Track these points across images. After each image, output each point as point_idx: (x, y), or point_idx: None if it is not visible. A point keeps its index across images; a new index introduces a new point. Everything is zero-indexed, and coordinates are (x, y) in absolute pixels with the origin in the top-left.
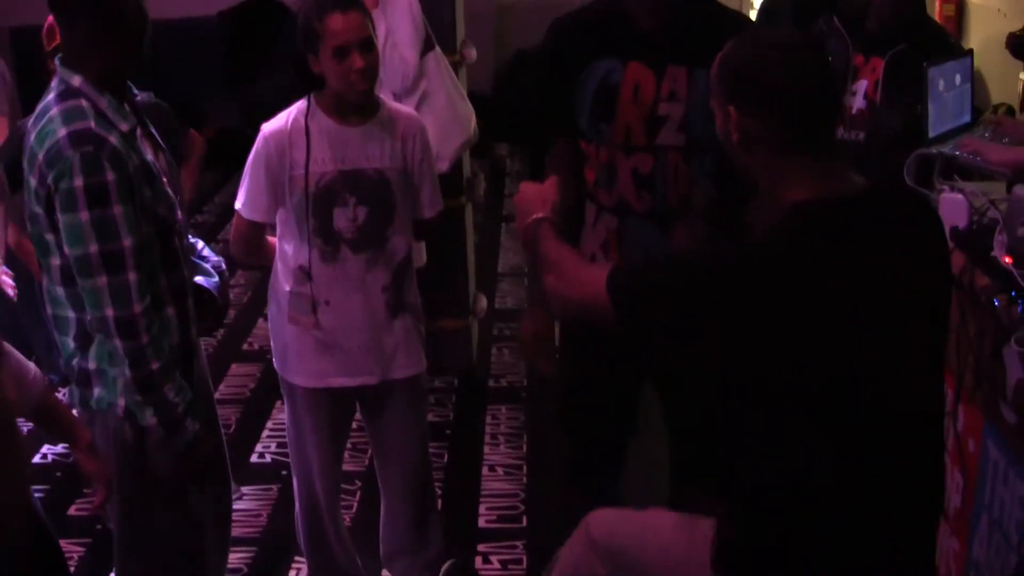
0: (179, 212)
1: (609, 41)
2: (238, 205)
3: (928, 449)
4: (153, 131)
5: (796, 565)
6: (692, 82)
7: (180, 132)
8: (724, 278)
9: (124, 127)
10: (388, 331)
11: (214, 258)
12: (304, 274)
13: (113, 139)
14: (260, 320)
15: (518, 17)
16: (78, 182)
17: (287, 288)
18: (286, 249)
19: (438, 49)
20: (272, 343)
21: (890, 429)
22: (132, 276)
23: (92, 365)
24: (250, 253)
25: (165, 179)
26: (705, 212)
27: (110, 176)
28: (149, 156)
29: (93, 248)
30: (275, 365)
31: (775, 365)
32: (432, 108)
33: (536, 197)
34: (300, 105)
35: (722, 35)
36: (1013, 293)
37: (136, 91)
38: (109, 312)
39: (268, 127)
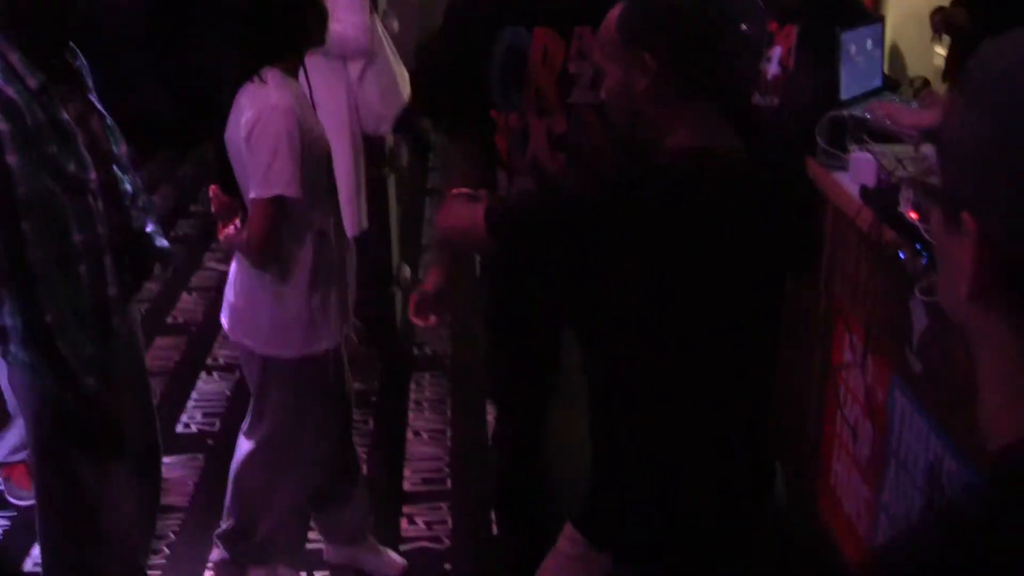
0: (92, 172)
1: (513, 9)
2: (286, 189)
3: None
4: (92, 98)
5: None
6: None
7: None
8: (591, 208)
9: (32, 83)
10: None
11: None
12: (323, 237)
13: (11, 91)
14: (183, 294)
15: None
16: None
17: (309, 258)
18: (298, 220)
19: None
20: (278, 330)
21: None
22: (25, 225)
23: (8, 321)
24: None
25: (93, 140)
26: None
27: (3, 126)
28: (65, 115)
29: None
30: (286, 353)
31: (627, 296)
32: (379, 69)
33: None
34: (275, 74)
35: None
36: (918, 246)
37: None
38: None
39: (278, 103)
